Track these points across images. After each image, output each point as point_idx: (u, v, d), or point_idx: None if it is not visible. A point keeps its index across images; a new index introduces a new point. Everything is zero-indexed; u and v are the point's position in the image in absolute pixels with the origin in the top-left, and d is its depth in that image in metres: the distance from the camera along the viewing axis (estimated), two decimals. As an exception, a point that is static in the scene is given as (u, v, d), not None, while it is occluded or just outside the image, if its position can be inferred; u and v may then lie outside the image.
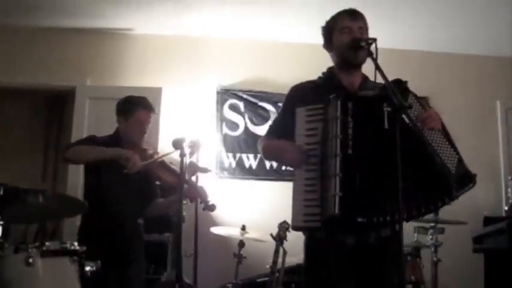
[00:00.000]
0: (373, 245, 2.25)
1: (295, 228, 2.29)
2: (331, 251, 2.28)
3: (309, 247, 2.40)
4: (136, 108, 3.48)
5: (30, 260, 2.48)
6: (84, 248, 2.70)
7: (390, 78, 2.11)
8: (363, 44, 2.26)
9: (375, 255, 2.25)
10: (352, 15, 2.43)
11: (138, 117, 3.48)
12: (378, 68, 2.12)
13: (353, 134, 2.16)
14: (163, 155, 3.42)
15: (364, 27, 2.43)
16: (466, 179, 2.21)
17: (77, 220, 4.21)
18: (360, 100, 2.25)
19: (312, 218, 2.20)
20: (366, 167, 2.15)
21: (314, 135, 2.26)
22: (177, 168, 3.24)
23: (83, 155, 3.36)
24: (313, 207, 2.20)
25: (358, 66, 2.43)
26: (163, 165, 3.42)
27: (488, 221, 4.90)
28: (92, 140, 3.49)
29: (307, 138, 2.27)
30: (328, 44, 2.49)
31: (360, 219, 2.10)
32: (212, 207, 3.46)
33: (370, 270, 2.26)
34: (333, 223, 2.15)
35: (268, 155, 2.61)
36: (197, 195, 3.43)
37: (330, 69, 2.53)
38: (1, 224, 2.58)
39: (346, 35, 2.38)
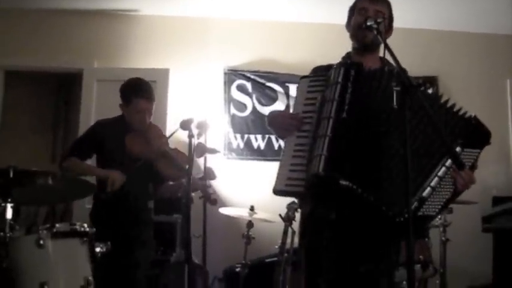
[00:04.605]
0: (354, 220, 2.19)
1: (276, 192, 2.19)
2: (314, 225, 2.29)
3: (300, 223, 2.42)
4: (135, 97, 3.39)
5: (41, 242, 2.52)
6: (94, 229, 2.73)
7: (400, 58, 2.07)
8: (370, 23, 2.19)
9: (356, 230, 2.21)
10: None
11: (137, 106, 3.40)
12: (387, 48, 2.08)
13: (350, 99, 2.11)
14: (168, 137, 3.41)
15: (385, 12, 2.37)
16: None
17: (86, 202, 4.25)
18: (363, 70, 2.19)
19: (296, 183, 2.13)
20: (358, 133, 2.10)
21: (312, 104, 2.22)
22: (182, 157, 3.25)
23: (76, 171, 3.43)
24: (299, 172, 2.13)
25: (371, 48, 2.36)
26: (165, 155, 3.37)
27: (497, 200, 4.88)
28: (92, 135, 3.51)
29: (304, 106, 2.23)
30: (348, 24, 2.46)
31: (342, 182, 2.04)
32: (213, 202, 3.47)
33: (350, 244, 2.23)
34: (316, 185, 2.09)
35: (269, 122, 2.49)
36: (199, 189, 3.44)
37: (348, 53, 2.49)
38: (11, 206, 2.61)
39: (360, 16, 2.35)
